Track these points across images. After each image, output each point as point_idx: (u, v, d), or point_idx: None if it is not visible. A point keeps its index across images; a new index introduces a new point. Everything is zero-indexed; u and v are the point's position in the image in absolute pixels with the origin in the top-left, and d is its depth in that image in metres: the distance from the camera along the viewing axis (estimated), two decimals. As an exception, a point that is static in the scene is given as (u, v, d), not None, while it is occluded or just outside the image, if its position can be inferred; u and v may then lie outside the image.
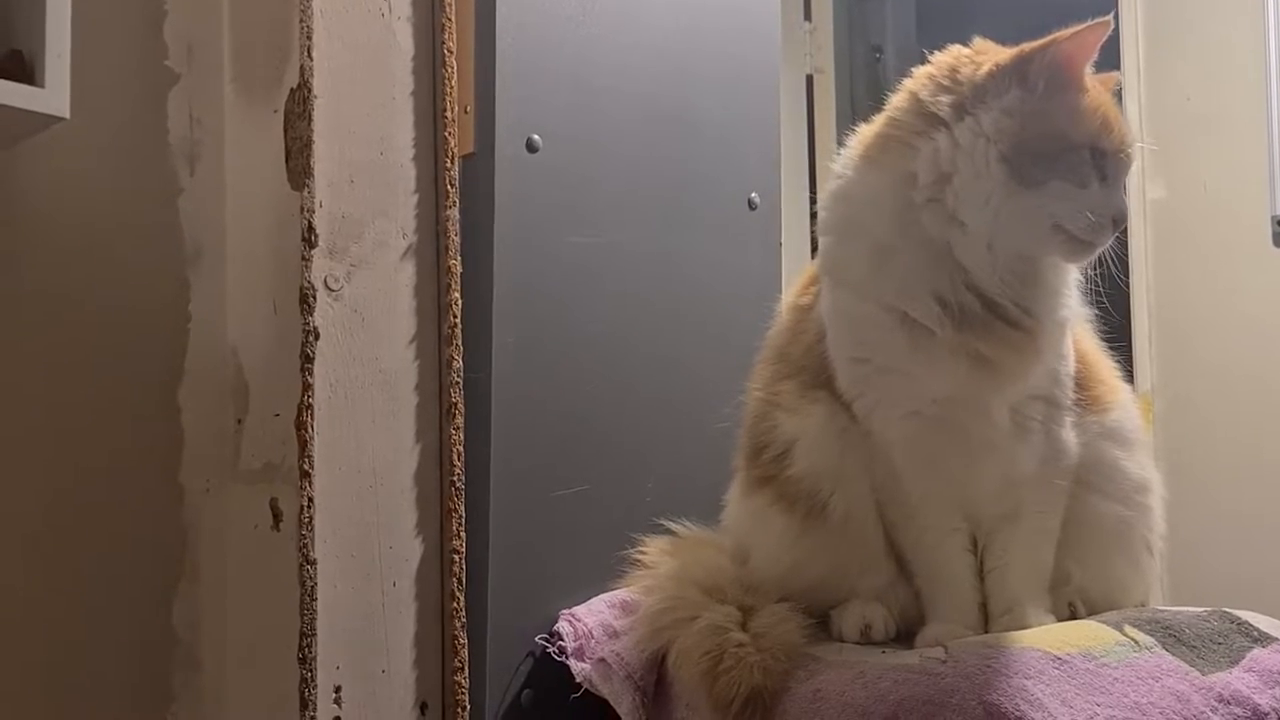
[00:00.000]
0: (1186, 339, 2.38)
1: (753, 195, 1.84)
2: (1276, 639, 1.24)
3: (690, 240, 1.74)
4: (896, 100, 1.28)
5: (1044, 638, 1.19)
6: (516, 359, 1.51)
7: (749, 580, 1.37)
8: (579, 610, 1.50)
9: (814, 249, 1.46)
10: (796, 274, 1.61)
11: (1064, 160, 1.19)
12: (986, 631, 1.30)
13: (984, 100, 1.21)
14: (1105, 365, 1.42)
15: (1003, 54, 1.24)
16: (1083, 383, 1.36)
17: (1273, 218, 2.41)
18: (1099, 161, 1.21)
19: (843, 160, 1.34)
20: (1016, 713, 1.05)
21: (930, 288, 1.25)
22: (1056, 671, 1.12)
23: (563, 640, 1.47)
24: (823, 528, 1.34)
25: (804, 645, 1.29)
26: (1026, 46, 1.22)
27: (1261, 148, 2.34)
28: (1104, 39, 1.22)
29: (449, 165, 1.46)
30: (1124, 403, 1.41)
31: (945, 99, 1.23)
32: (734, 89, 1.82)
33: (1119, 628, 1.22)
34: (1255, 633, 1.24)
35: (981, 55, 1.25)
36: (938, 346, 1.24)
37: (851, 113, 3.34)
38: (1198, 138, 2.35)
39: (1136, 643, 1.19)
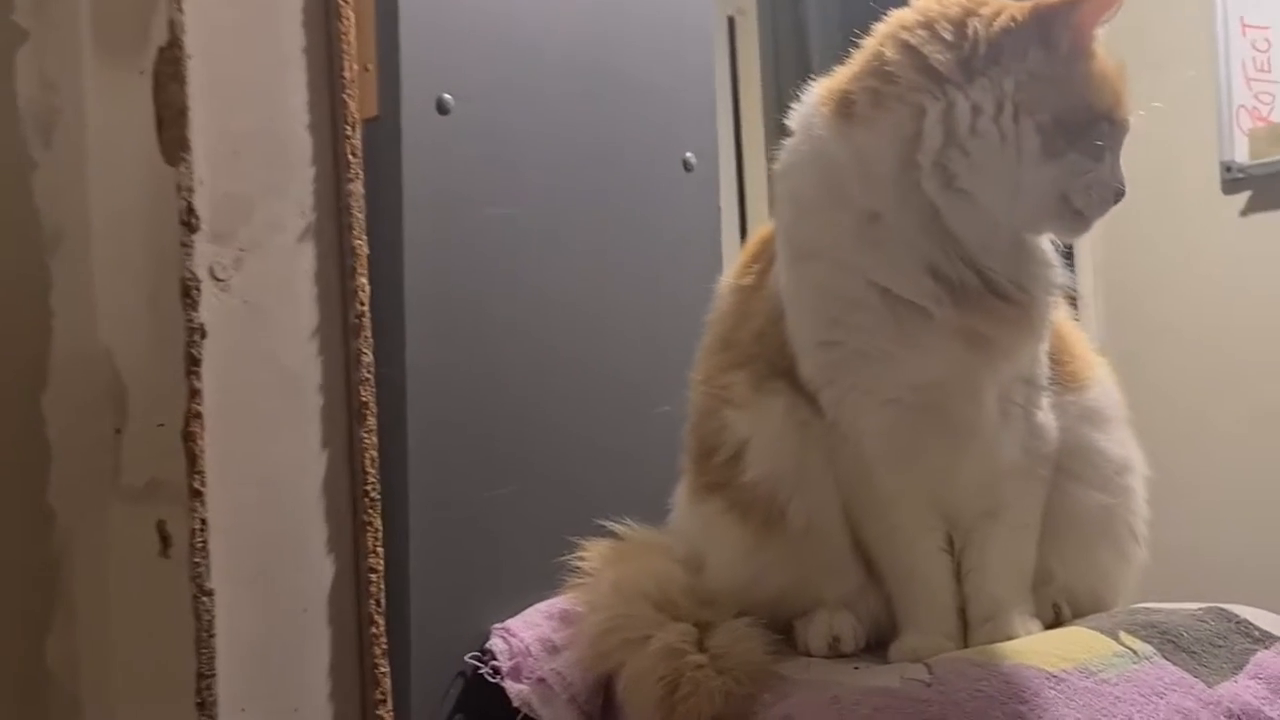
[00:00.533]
0: (1134, 293, 2.31)
1: (688, 155, 1.71)
2: (1278, 638, 1.15)
3: (621, 208, 1.61)
4: (883, 50, 1.13)
5: (1035, 651, 1.08)
6: (433, 350, 1.37)
7: (704, 592, 1.24)
8: (513, 624, 1.38)
9: (744, 216, 1.32)
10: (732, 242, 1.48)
11: (1086, 132, 1.10)
12: (966, 640, 1.20)
13: (999, 60, 1.09)
14: (1078, 337, 1.31)
15: (1013, 8, 1.11)
16: (1056, 358, 1.25)
17: (1221, 164, 2.34)
18: (1111, 133, 1.12)
19: (806, 117, 1.19)
20: (1014, 746, 0.93)
21: (924, 261, 1.13)
22: (1053, 692, 1.01)
23: (496, 659, 1.34)
24: (782, 536, 1.22)
25: (769, 663, 1.17)
26: (1043, 3, 1.10)
27: (1210, 94, 2.25)
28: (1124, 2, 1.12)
29: (349, 132, 1.30)
30: (1101, 378, 1.30)
31: (950, 55, 1.10)
32: (663, 38, 1.68)
33: (1114, 635, 1.12)
34: (1256, 632, 1.15)
35: (983, 6, 1.11)
36: (931, 326, 1.12)
37: (775, 59, 3.20)
38: (1145, 85, 2.24)
39: (1135, 652, 1.09)
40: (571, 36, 1.54)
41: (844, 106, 1.15)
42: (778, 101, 3.15)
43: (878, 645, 1.23)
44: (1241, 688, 1.05)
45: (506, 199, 1.47)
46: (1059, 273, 1.17)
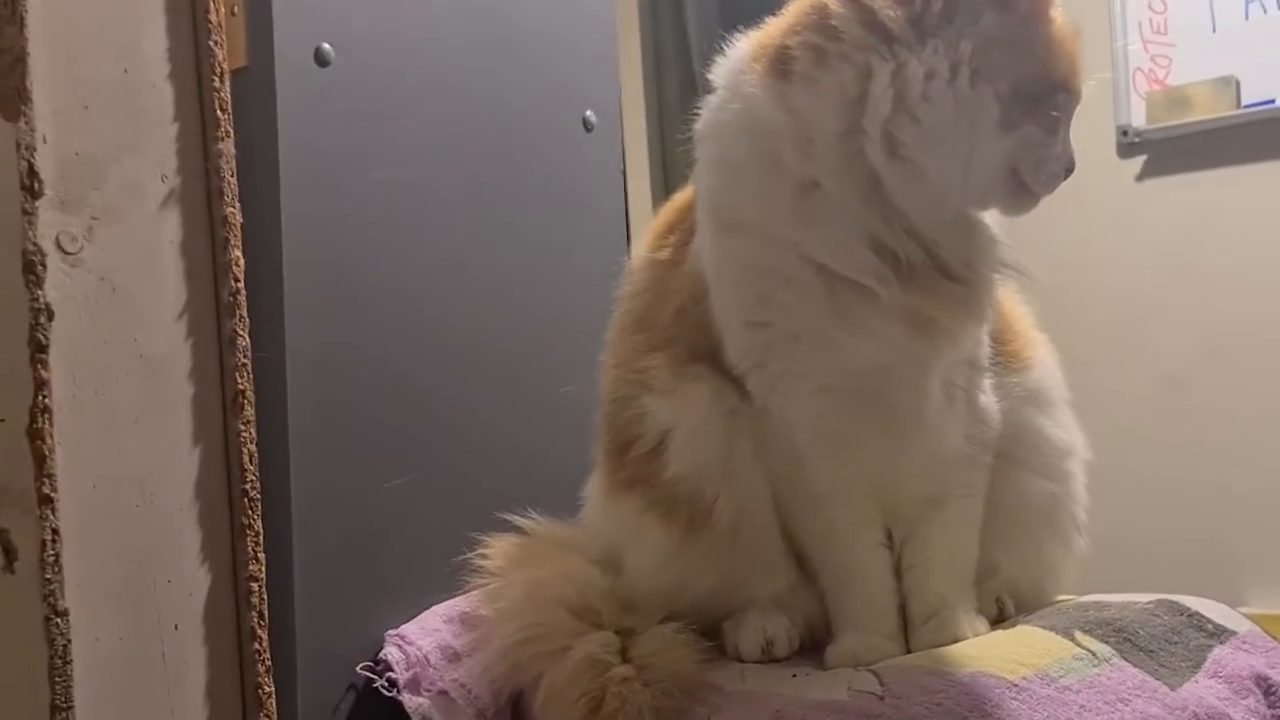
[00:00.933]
0: (1030, 258, 2.27)
1: (588, 114, 1.60)
2: (1233, 632, 1.11)
3: (517, 171, 1.50)
4: (826, 3, 1.02)
5: (992, 657, 1.01)
6: (315, 330, 1.24)
7: (625, 596, 1.14)
8: (409, 630, 1.27)
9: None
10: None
11: (1043, 102, 1.02)
12: (908, 640, 1.13)
13: (952, 20, 1.00)
14: (1019, 313, 1.24)
15: None
16: (998, 337, 1.18)
17: (1118, 128, 2.31)
18: (1066, 104, 1.04)
19: (734, 74, 1.09)
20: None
21: (866, 235, 1.03)
22: (1015, 703, 0.94)
23: (392, 670, 1.23)
24: (709, 535, 1.12)
25: (700, 673, 1.08)
26: None
27: (1106, 56, 2.22)
28: None
29: (217, 84, 1.16)
30: (1044, 358, 1.24)
31: (901, 12, 1.00)
32: (562, -15, 1.54)
33: (1069, 635, 1.05)
34: (1210, 626, 1.10)
35: None
36: (874, 308, 1.03)
37: (653, 11, 3.07)
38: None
39: (1094, 654, 1.02)
40: (464, -18, 1.41)
41: (780, 64, 1.05)
42: (655, 56, 3.05)
43: (812, 647, 1.15)
44: (1204, 689, 1.00)
45: (393, 161, 1.35)
46: (1006, 249, 1.09)
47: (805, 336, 1.06)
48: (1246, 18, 2.25)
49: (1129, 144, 2.34)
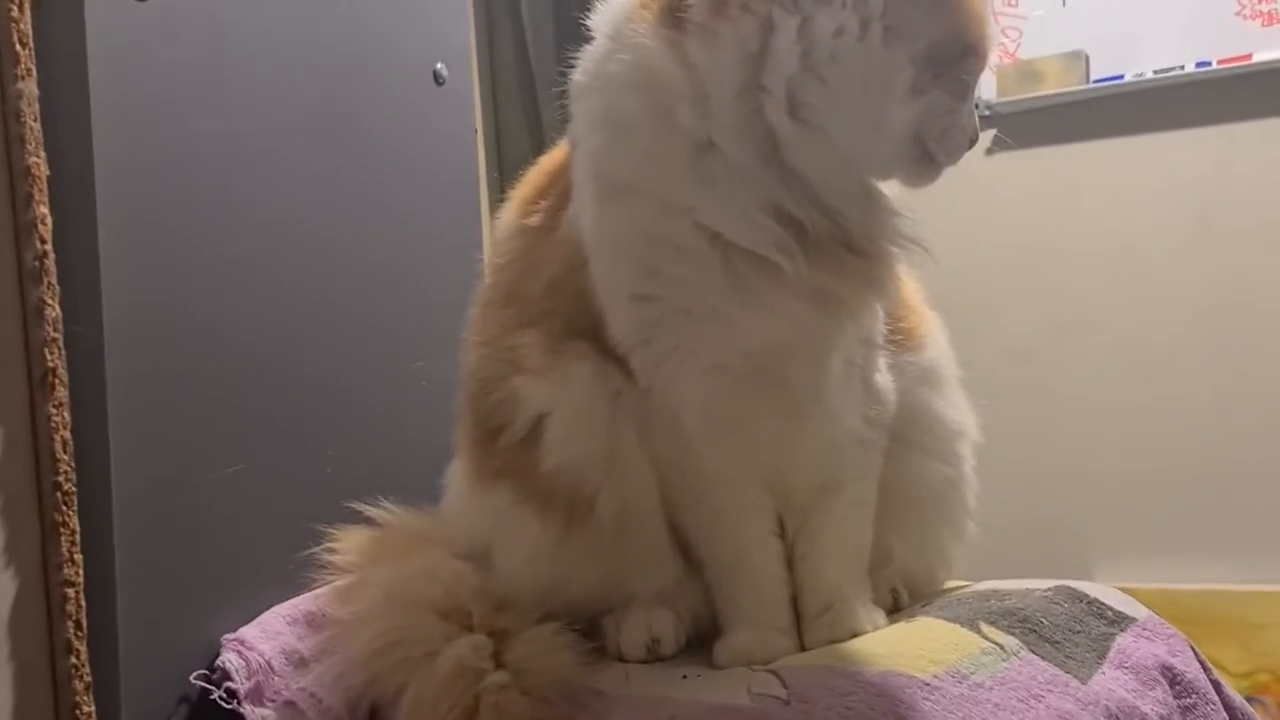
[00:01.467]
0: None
1: (438, 66, 1.49)
2: (1132, 619, 1.09)
3: (361, 127, 1.38)
4: None
5: (899, 654, 0.95)
6: (136, 301, 1.10)
7: (498, 594, 1.04)
8: (249, 634, 1.15)
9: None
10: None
11: (953, 66, 0.95)
12: (802, 635, 1.06)
13: None
14: (911, 289, 1.18)
15: None
16: (893, 313, 1.12)
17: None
18: (975, 69, 0.97)
19: (619, 21, 0.99)
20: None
21: (767, 201, 0.95)
22: (929, 704, 0.89)
23: (230, 678, 1.10)
24: (591, 529, 1.03)
25: (582, 677, 0.99)
26: None
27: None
28: None
29: (15, 14, 1.01)
30: (937, 336, 1.19)
31: None
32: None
33: (974, 627, 1.00)
34: (1110, 613, 1.07)
35: None
36: (774, 281, 0.95)
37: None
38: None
39: (1002, 648, 0.98)
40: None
41: (673, 11, 0.95)
42: (487, 14, 2.91)
43: (699, 644, 1.07)
44: (1112, 681, 0.96)
45: (222, 111, 1.21)
46: (909, 223, 1.03)
47: (697, 311, 0.98)
48: (1097, -8, 2.27)
49: (980, 117, 2.33)
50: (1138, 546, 2.24)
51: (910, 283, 1.18)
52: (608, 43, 1.01)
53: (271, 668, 1.11)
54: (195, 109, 1.18)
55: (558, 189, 1.09)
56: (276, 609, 1.17)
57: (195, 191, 1.16)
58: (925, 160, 0.98)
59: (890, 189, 1.04)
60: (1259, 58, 2.13)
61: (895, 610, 1.12)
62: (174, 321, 1.13)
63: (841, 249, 0.97)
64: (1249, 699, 1.37)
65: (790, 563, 1.07)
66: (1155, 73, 2.21)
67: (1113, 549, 2.23)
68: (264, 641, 1.13)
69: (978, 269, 2.30)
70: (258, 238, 1.23)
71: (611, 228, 1.00)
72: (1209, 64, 2.17)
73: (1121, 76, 2.24)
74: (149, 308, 1.10)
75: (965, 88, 0.96)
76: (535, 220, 1.10)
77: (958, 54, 0.95)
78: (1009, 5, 2.32)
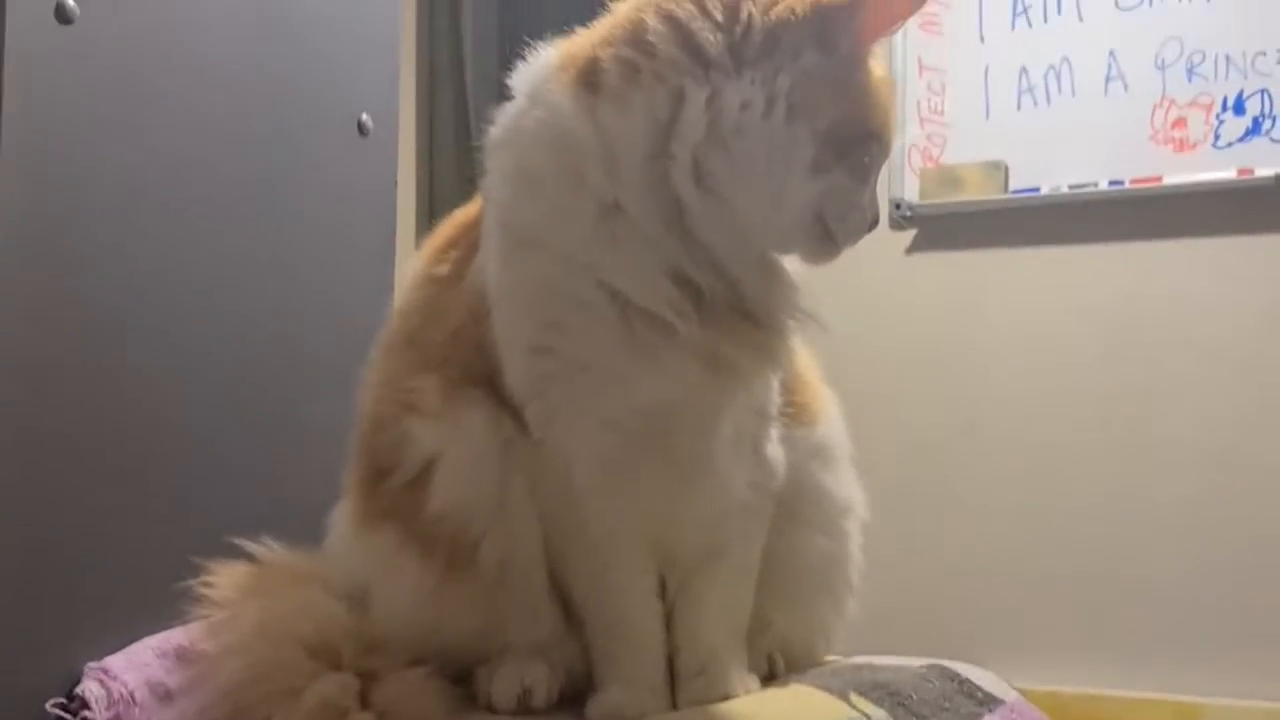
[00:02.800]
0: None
1: (363, 116, 1.52)
2: (1001, 700, 1.10)
3: (281, 172, 1.40)
4: (643, 18, 0.97)
5: (766, 714, 0.98)
6: (17, 327, 1.10)
7: (370, 636, 1.03)
8: (114, 663, 1.13)
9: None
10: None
11: (855, 149, 0.98)
12: (674, 695, 1.06)
13: (772, 54, 0.96)
14: (810, 365, 1.20)
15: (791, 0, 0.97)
16: (788, 386, 1.14)
17: (891, 201, 2.36)
18: (879, 154, 1.01)
19: (538, 82, 1.01)
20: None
21: (667, 264, 0.97)
22: (790, 768, 0.88)
23: (89, 708, 1.08)
24: (471, 577, 1.03)
25: (446, 722, 0.97)
26: (826, 1, 0.97)
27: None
28: (916, 10, 1.05)
29: None
30: (831, 413, 1.21)
31: (720, 37, 0.95)
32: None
33: (844, 697, 1.01)
34: (979, 694, 1.09)
35: None
36: (670, 342, 0.97)
37: (431, 23, 2.95)
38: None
39: (868, 717, 0.99)
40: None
41: (589, 75, 0.98)
42: (430, 71, 2.94)
43: (572, 699, 1.06)
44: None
45: (138, 141, 1.22)
46: (804, 297, 1.05)
47: (593, 367, 0.99)
48: (1018, 108, 2.34)
49: (902, 217, 2.40)
50: (1029, 646, 2.25)
51: (809, 359, 1.20)
52: (525, 101, 1.03)
53: (134, 699, 1.09)
54: (115, 135, 1.19)
55: (468, 240, 1.10)
56: (147, 640, 1.15)
57: (93, 223, 1.19)
58: (825, 239, 1.00)
59: (792, 265, 1.06)
60: (1169, 180, 2.21)
61: (770, 678, 1.12)
62: (55, 347, 1.13)
63: (738, 317, 0.99)
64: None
65: (669, 622, 1.07)
66: (1070, 187, 2.28)
67: (1003, 646, 2.25)
68: (129, 672, 1.11)
69: (891, 362, 2.34)
70: (148, 271, 1.24)
71: (515, 279, 1.01)
72: (1122, 183, 2.25)
73: (1038, 189, 2.31)
74: (29, 334, 1.10)
75: (867, 171, 1.00)
76: (443, 269, 1.12)
77: (860, 137, 0.98)
78: (935, 113, 2.39)
